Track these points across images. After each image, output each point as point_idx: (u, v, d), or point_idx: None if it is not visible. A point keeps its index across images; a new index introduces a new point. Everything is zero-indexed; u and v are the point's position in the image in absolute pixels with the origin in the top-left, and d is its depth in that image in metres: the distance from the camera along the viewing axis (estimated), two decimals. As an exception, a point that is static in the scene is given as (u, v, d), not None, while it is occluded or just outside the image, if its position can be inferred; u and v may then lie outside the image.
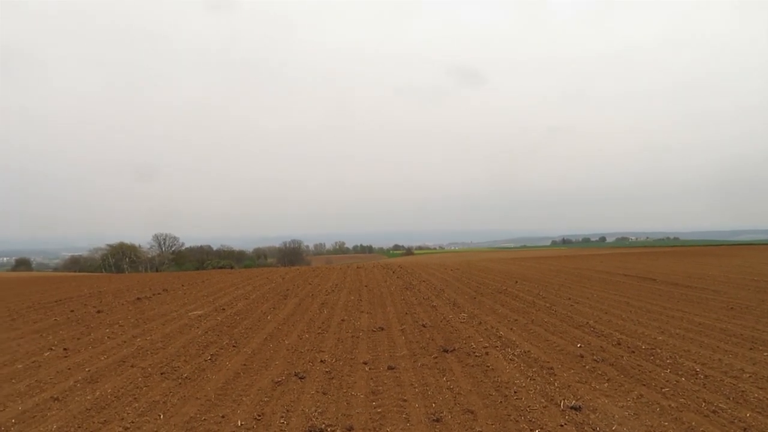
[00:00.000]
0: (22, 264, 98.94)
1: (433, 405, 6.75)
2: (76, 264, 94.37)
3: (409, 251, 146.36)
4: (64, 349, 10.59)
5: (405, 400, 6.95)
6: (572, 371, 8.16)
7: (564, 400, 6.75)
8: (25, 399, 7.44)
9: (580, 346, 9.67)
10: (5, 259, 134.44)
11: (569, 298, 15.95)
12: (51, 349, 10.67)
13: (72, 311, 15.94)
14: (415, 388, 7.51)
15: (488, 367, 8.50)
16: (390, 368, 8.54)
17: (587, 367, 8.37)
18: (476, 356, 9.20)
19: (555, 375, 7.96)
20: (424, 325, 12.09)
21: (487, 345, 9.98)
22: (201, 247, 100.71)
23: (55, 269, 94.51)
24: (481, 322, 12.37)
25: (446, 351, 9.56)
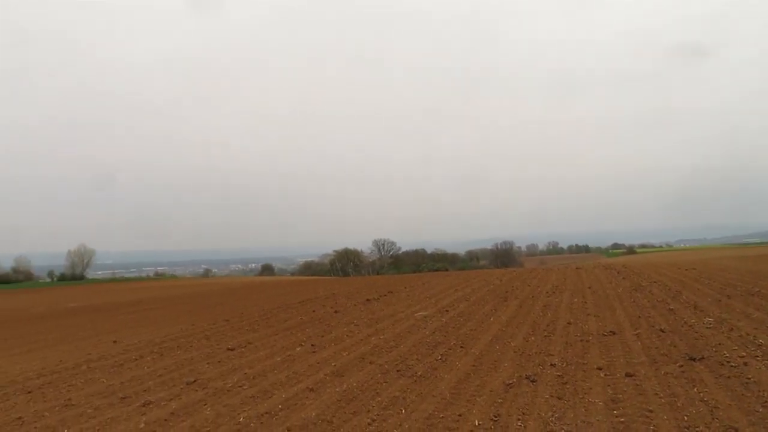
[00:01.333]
0: (267, 269, 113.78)
1: (685, 418, 6.15)
2: (309, 269, 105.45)
3: (630, 250, 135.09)
4: (312, 345, 11.88)
5: (650, 411, 6.44)
6: None
7: None
8: (286, 388, 8.51)
9: None
10: (252, 265, 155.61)
11: None
12: (301, 345, 12.05)
13: (313, 311, 17.83)
14: (660, 398, 6.93)
15: (749, 379, 7.46)
16: (628, 375, 7.99)
17: None
18: (732, 366, 8.14)
19: (842, 393, 6.70)
20: (662, 330, 11.08)
21: (744, 354, 8.76)
22: (416, 250, 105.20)
23: (292, 273, 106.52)
24: (732, 328, 10.91)
25: (693, 359, 8.63)
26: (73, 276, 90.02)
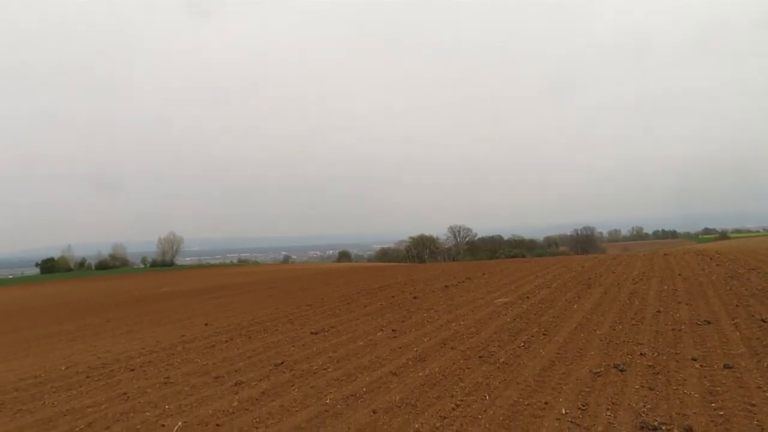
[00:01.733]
0: (344, 256, 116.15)
1: (793, 414, 5.77)
2: (385, 255, 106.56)
3: (723, 235, 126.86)
4: (393, 330, 12.01)
5: (753, 405, 6.09)
6: None
7: None
8: (370, 372, 8.67)
9: None
10: (330, 252, 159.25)
11: None
12: (382, 330, 12.21)
13: (393, 297, 18.01)
14: (763, 391, 6.53)
15: None
16: (727, 367, 7.57)
17: None
18: None
19: None
20: (763, 320, 10.39)
21: None
22: (492, 237, 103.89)
23: (369, 260, 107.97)
24: None
25: (800, 351, 8.08)
26: (163, 262, 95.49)
